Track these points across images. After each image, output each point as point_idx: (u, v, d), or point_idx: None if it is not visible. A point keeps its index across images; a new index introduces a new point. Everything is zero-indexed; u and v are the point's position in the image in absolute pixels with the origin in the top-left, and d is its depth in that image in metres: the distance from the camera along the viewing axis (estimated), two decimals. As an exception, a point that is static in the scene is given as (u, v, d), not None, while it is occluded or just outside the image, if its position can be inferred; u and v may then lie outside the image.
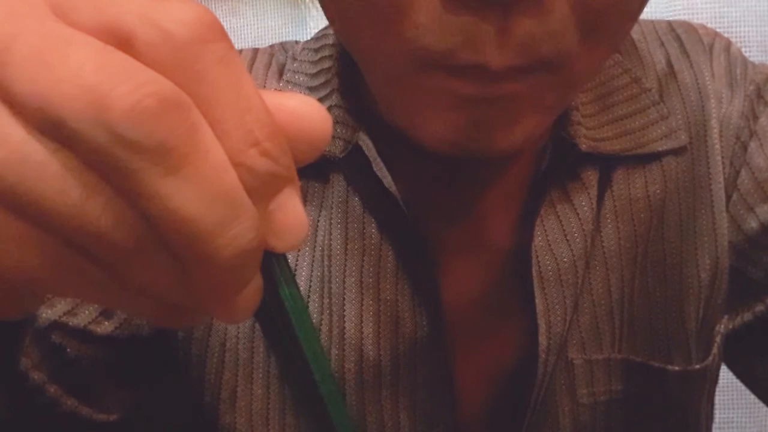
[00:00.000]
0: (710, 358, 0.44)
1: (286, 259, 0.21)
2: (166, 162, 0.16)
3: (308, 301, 0.41)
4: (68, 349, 0.39)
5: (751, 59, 0.46)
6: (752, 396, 0.46)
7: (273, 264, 0.20)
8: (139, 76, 0.16)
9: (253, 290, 0.20)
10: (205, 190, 0.17)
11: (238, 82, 0.18)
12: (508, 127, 0.32)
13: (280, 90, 0.43)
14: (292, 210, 0.19)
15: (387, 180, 0.39)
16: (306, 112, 0.19)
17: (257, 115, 0.18)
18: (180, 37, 0.17)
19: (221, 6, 1.03)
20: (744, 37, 0.93)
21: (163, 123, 0.16)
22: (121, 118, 0.15)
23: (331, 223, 0.41)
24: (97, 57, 0.16)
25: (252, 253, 0.18)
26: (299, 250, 0.41)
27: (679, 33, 0.45)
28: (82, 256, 0.18)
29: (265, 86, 0.44)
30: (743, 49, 0.46)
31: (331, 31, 0.44)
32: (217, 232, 0.17)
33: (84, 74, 0.16)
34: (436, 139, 0.33)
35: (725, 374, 0.47)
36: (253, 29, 1.02)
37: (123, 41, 0.17)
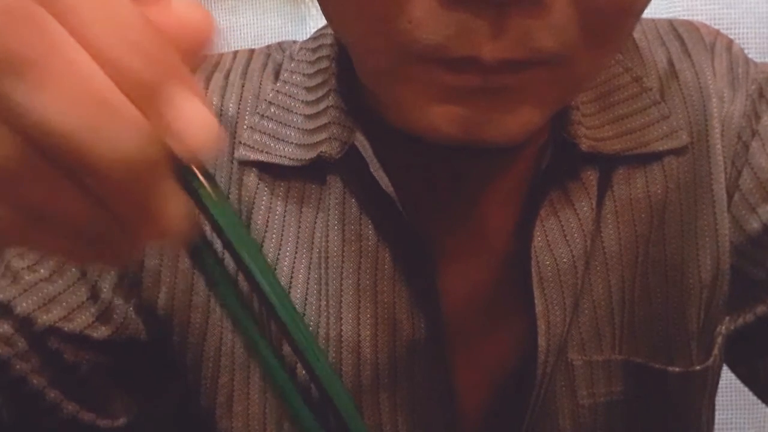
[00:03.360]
0: (711, 359, 0.43)
1: (207, 171, 0.20)
2: (25, 75, 0.16)
3: (306, 304, 0.41)
4: (66, 355, 0.39)
5: (750, 60, 0.46)
6: (751, 397, 0.46)
7: (188, 175, 0.20)
8: None
9: (174, 203, 0.19)
10: (72, 98, 0.16)
11: None
12: (504, 117, 0.32)
13: (277, 91, 0.43)
14: (189, 112, 0.18)
15: (384, 181, 0.38)
16: (186, 12, 0.19)
17: (126, 18, 0.17)
18: None
19: (221, 5, 1.02)
20: (743, 38, 0.93)
21: (12, 34, 0.16)
22: None
23: (328, 225, 0.41)
24: None
25: (143, 158, 0.17)
26: (296, 253, 0.41)
27: (681, 32, 0.45)
28: None
29: (261, 87, 0.44)
30: (742, 51, 0.46)
31: (328, 31, 0.43)
32: (94, 139, 0.17)
33: None
34: (432, 131, 0.33)
35: (724, 375, 0.47)
36: (253, 28, 1.02)
37: None
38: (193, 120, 0.18)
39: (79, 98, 0.16)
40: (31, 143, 0.17)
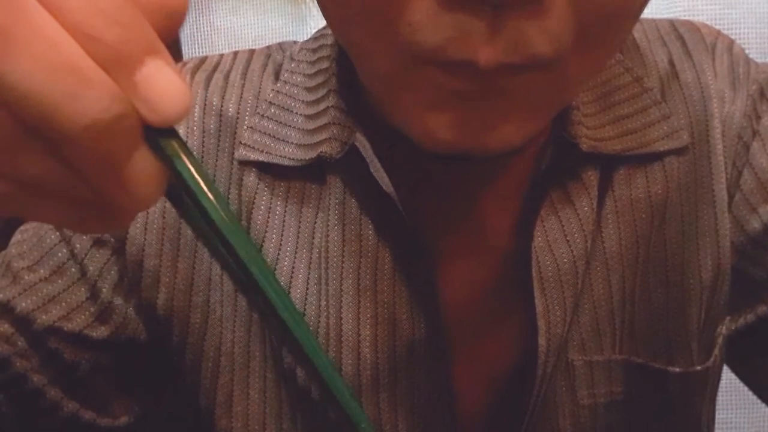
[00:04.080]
0: (712, 359, 0.43)
1: (177, 135, 0.20)
2: None
3: (306, 303, 0.41)
4: (65, 354, 0.39)
5: (751, 61, 0.46)
6: (751, 396, 0.46)
7: (158, 140, 0.20)
8: None
9: (144, 166, 0.20)
10: (43, 64, 0.17)
11: None
12: (499, 125, 0.32)
13: (277, 91, 0.43)
14: (162, 80, 0.19)
15: (384, 181, 0.38)
16: None
17: None
18: None
19: (222, 5, 1.03)
20: (744, 38, 0.93)
21: None
22: None
23: (328, 225, 0.41)
24: None
25: (113, 123, 0.18)
26: (296, 253, 0.41)
27: (682, 32, 0.45)
28: None
29: (261, 87, 0.44)
30: (742, 51, 0.46)
31: (329, 31, 0.43)
32: (66, 103, 0.17)
33: None
34: (429, 138, 0.33)
35: (724, 375, 0.47)
36: (254, 28, 1.02)
37: None
38: (165, 88, 0.19)
39: (48, 64, 0.17)
40: (8, 112, 0.17)
